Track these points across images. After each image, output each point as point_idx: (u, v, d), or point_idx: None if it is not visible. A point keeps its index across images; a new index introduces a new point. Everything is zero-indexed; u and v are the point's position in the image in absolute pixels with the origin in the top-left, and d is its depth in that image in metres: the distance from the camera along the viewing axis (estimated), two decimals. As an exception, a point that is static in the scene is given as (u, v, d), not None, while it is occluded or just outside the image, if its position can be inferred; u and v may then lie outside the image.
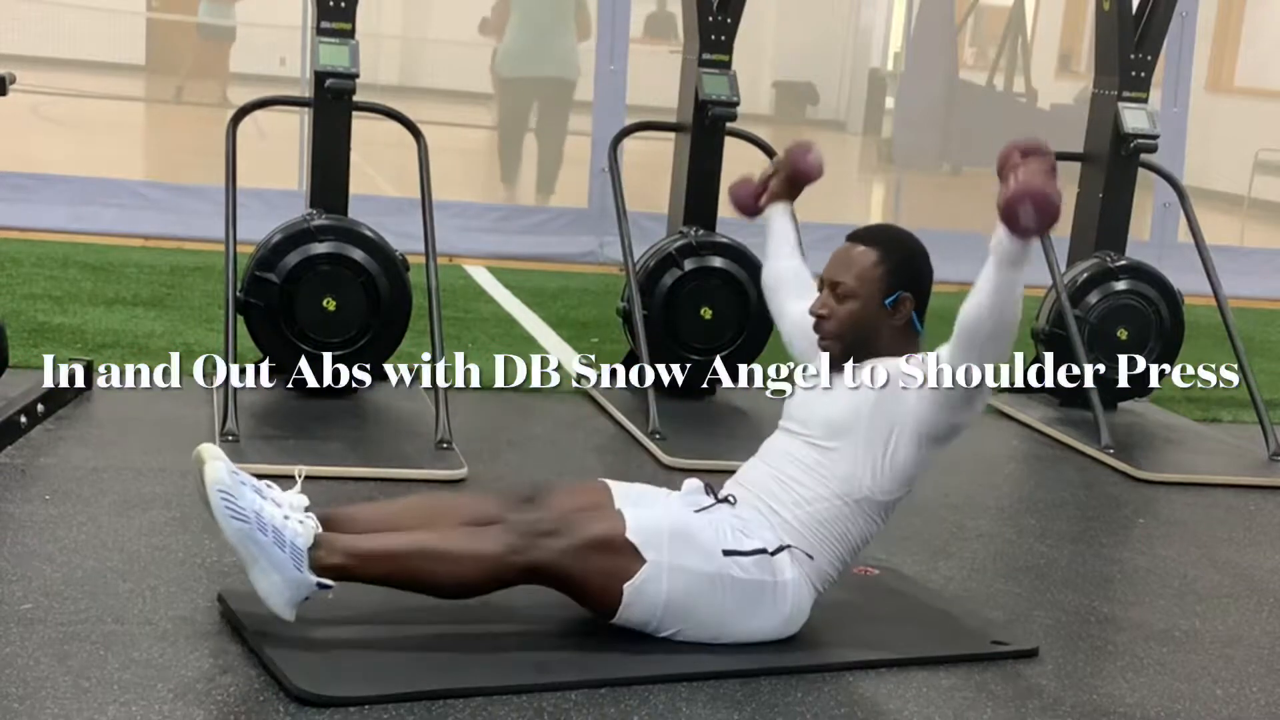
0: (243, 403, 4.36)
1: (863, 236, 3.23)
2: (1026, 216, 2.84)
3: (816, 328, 3.21)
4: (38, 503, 3.65)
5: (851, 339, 3.18)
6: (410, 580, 2.95)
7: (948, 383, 3.00)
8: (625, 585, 2.96)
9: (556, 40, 8.89)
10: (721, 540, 3.04)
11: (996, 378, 3.03)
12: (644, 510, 3.07)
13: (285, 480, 3.04)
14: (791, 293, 3.59)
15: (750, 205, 3.76)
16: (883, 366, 3.14)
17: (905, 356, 3.14)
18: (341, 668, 2.81)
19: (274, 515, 2.86)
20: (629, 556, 2.96)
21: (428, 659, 2.89)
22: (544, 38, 8.91)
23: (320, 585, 2.87)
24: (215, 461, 2.88)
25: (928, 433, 3.09)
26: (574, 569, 2.94)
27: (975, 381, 2.99)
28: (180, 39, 12.33)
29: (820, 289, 3.24)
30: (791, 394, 3.34)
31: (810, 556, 3.10)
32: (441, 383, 4.42)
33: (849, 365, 3.21)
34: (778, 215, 3.71)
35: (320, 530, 2.91)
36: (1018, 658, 3.21)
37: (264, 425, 4.42)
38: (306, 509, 2.93)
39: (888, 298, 3.16)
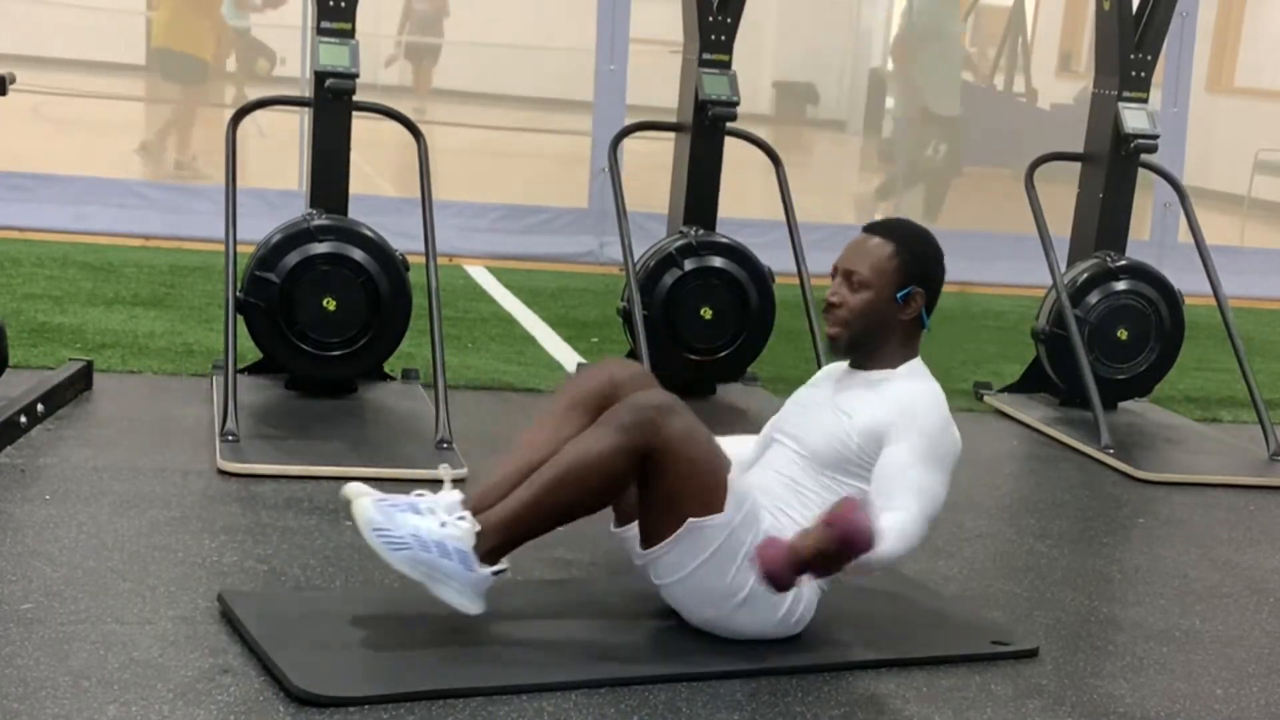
0: (243, 403, 4.36)
1: (880, 229, 3.24)
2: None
3: (827, 314, 3.22)
4: (38, 503, 3.65)
5: (860, 329, 3.19)
6: (559, 517, 2.98)
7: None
8: (691, 518, 2.96)
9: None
10: (768, 530, 3.05)
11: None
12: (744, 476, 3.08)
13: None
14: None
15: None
16: (864, 404, 3.14)
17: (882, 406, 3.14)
18: (341, 668, 2.81)
19: (431, 529, 2.89)
20: (717, 495, 2.97)
21: (428, 659, 2.89)
22: None
23: (495, 573, 2.93)
24: (361, 499, 2.92)
25: None
26: (680, 461, 2.93)
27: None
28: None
29: (834, 276, 3.24)
30: (789, 403, 3.34)
31: None
32: (441, 383, 4.42)
33: (840, 382, 3.23)
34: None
35: (476, 526, 2.92)
36: (1018, 658, 3.21)
37: (264, 425, 4.42)
38: (460, 507, 2.95)
39: (900, 291, 3.17)
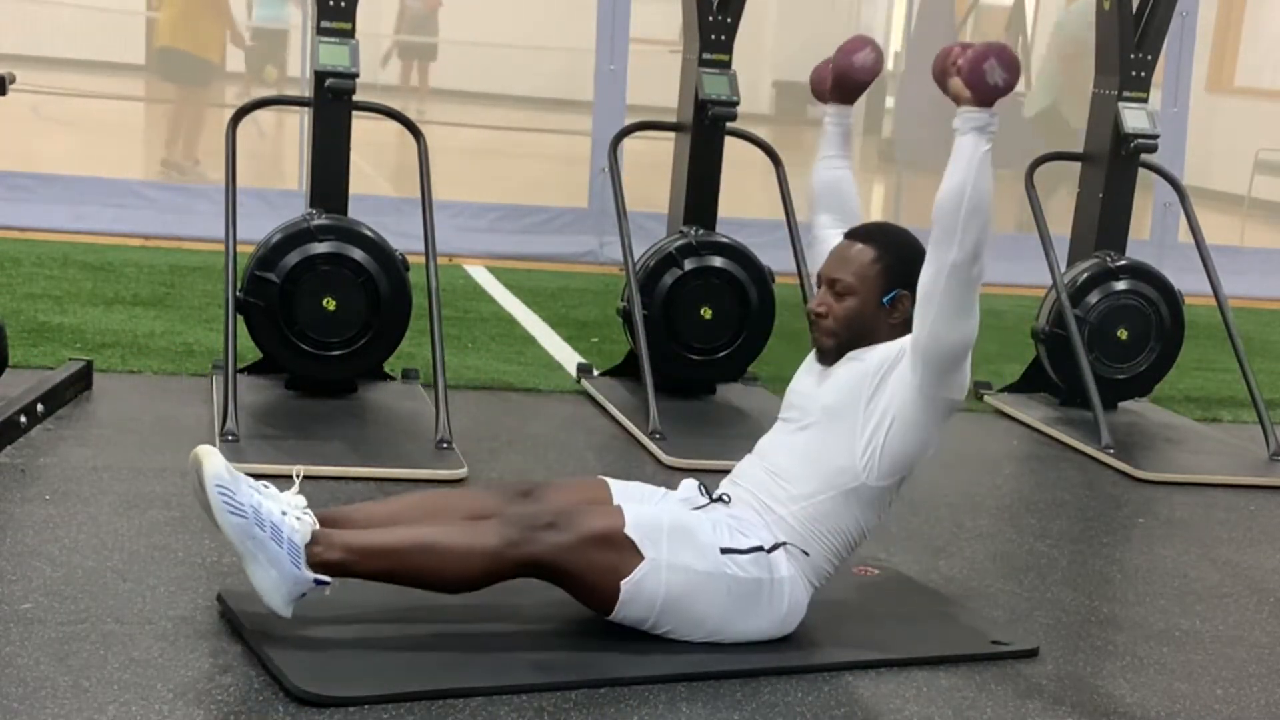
0: (243, 403, 4.36)
1: (861, 234, 3.23)
2: (994, 73, 2.91)
3: (813, 324, 3.22)
4: (38, 503, 3.65)
5: (848, 336, 3.18)
6: (409, 575, 2.94)
7: (936, 284, 2.99)
8: (623, 582, 2.96)
9: None
10: (719, 538, 3.04)
11: (977, 263, 3.00)
12: (643, 507, 3.08)
13: (282, 481, 3.04)
14: (830, 206, 3.51)
15: (822, 89, 3.55)
16: (879, 348, 3.15)
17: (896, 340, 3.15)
18: (341, 668, 2.81)
19: (272, 511, 2.86)
20: (628, 552, 2.96)
21: (428, 659, 2.89)
22: None
23: (318, 581, 2.87)
24: (213, 457, 2.88)
25: (926, 393, 3.05)
26: (572, 563, 2.94)
27: (959, 269, 2.97)
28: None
29: (818, 285, 3.24)
30: (792, 384, 3.34)
31: (806, 553, 3.10)
32: (441, 383, 4.42)
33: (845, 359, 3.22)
34: (829, 118, 3.56)
35: (318, 527, 2.91)
36: (1018, 658, 3.21)
37: (264, 425, 4.42)
38: (305, 508, 2.93)
39: (885, 296, 3.16)
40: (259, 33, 12.64)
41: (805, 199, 3.65)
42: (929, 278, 3.01)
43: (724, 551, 3.02)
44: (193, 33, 9.26)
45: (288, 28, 12.10)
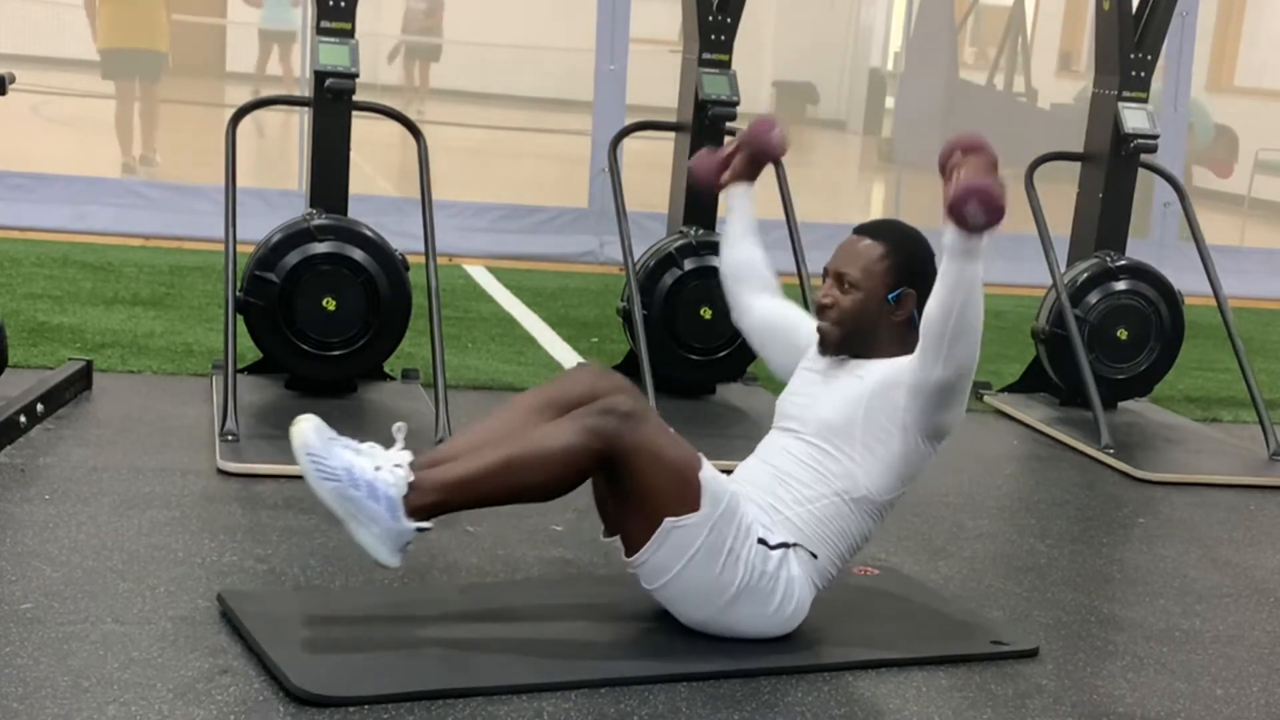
0: (243, 403, 4.36)
1: (870, 230, 3.24)
2: (974, 214, 2.88)
3: (820, 314, 3.22)
4: (38, 503, 3.65)
5: (852, 330, 3.18)
6: (504, 495, 2.96)
7: (924, 387, 3.03)
8: (669, 518, 2.96)
9: None
10: (755, 528, 3.05)
11: (964, 383, 3.04)
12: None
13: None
14: (755, 285, 3.58)
15: (712, 178, 3.63)
16: (875, 366, 3.15)
17: (894, 359, 3.15)
18: (341, 668, 2.81)
19: (365, 469, 2.88)
20: (689, 493, 2.96)
21: (428, 659, 2.89)
22: None
23: (419, 529, 2.90)
24: (303, 424, 2.91)
25: (919, 431, 3.10)
26: (643, 465, 2.93)
27: (945, 384, 3.01)
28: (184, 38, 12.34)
29: (824, 279, 3.24)
30: (786, 392, 3.34)
31: (814, 555, 3.10)
32: (441, 383, 4.42)
33: (843, 363, 3.22)
34: (738, 197, 3.64)
35: (410, 477, 2.91)
36: (1018, 658, 3.21)
37: (264, 425, 4.41)
38: (405, 462, 2.93)
39: (891, 293, 3.17)
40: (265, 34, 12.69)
41: (725, 278, 3.67)
42: (918, 378, 3.03)
43: (758, 541, 3.03)
44: (134, 27, 9.20)
45: (295, 29, 12.13)
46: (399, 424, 3.03)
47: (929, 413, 3.07)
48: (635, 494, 2.96)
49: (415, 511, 2.89)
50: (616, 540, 3.10)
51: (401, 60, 14.69)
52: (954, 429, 3.14)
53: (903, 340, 3.19)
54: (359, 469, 2.88)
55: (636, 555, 3.01)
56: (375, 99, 5.33)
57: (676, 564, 2.98)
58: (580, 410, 2.98)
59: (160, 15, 9.43)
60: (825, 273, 3.25)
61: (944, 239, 2.92)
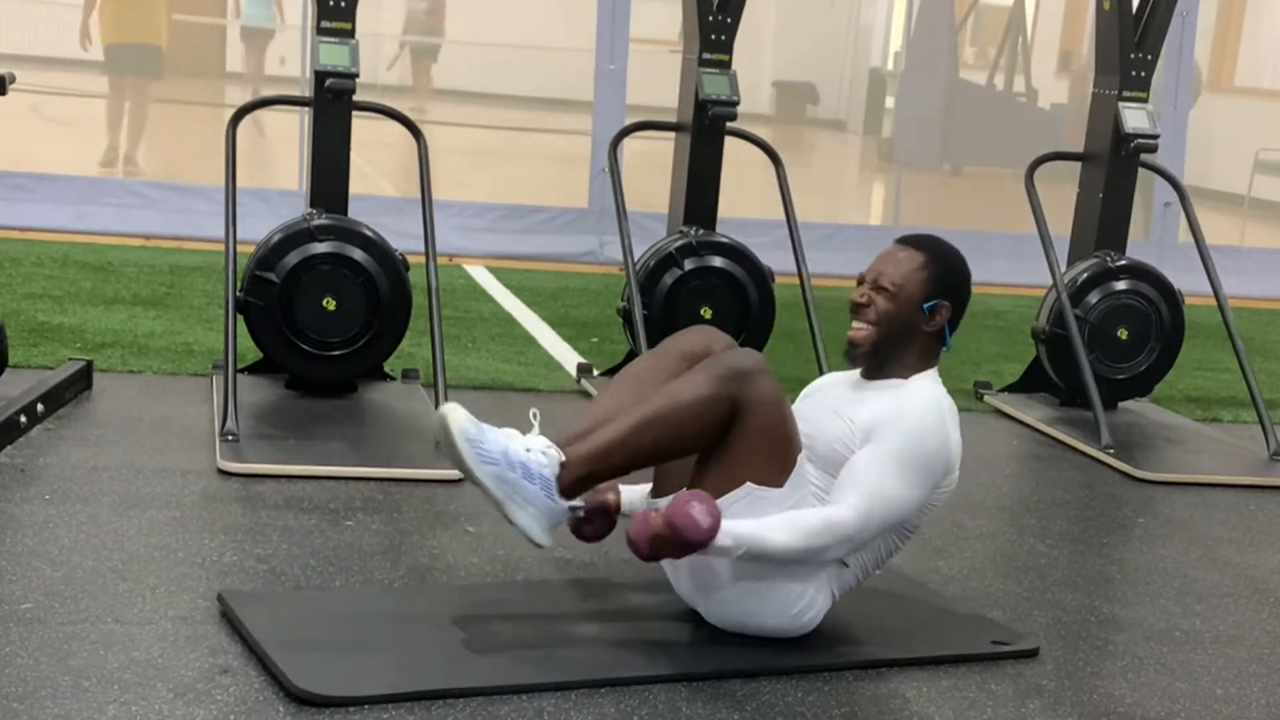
0: (243, 403, 4.36)
1: (912, 241, 3.25)
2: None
3: (855, 314, 3.22)
4: (38, 503, 3.65)
5: (885, 333, 3.17)
6: (650, 455, 3.00)
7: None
8: (750, 481, 2.98)
9: None
10: None
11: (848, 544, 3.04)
12: None
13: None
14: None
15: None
16: (869, 410, 3.12)
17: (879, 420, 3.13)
18: (341, 668, 2.81)
19: (519, 451, 2.92)
20: (781, 469, 3.00)
21: (428, 659, 2.89)
22: None
23: (572, 509, 2.95)
24: (456, 413, 2.92)
25: None
26: (762, 423, 2.97)
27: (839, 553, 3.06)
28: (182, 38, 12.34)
29: (859, 284, 3.24)
30: (798, 407, 3.34)
31: (845, 565, 3.10)
32: (441, 383, 4.42)
33: (852, 389, 3.22)
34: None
35: (562, 457, 2.94)
36: (1018, 658, 3.21)
37: (264, 425, 4.41)
38: (548, 445, 2.96)
39: (927, 302, 3.17)
40: (247, 32, 12.69)
41: None
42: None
43: None
44: (134, 23, 9.25)
45: (274, 27, 12.15)
46: (534, 410, 3.08)
47: None
48: (735, 446, 2.99)
49: (567, 488, 2.94)
50: (661, 501, 3.07)
51: (402, 61, 14.69)
52: (948, 486, 3.16)
53: (928, 353, 3.19)
54: (513, 451, 2.92)
55: (704, 517, 2.97)
56: (376, 99, 5.32)
57: (739, 542, 2.93)
58: (707, 361, 3.02)
59: (160, 11, 9.46)
60: (860, 279, 3.24)
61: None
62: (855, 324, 3.22)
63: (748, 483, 2.99)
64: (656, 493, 3.15)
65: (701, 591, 3.10)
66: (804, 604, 3.07)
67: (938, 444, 3.08)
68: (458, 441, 2.89)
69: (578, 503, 2.99)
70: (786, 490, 2.99)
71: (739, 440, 2.98)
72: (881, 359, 3.19)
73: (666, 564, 3.12)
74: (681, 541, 2.83)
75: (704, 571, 3.05)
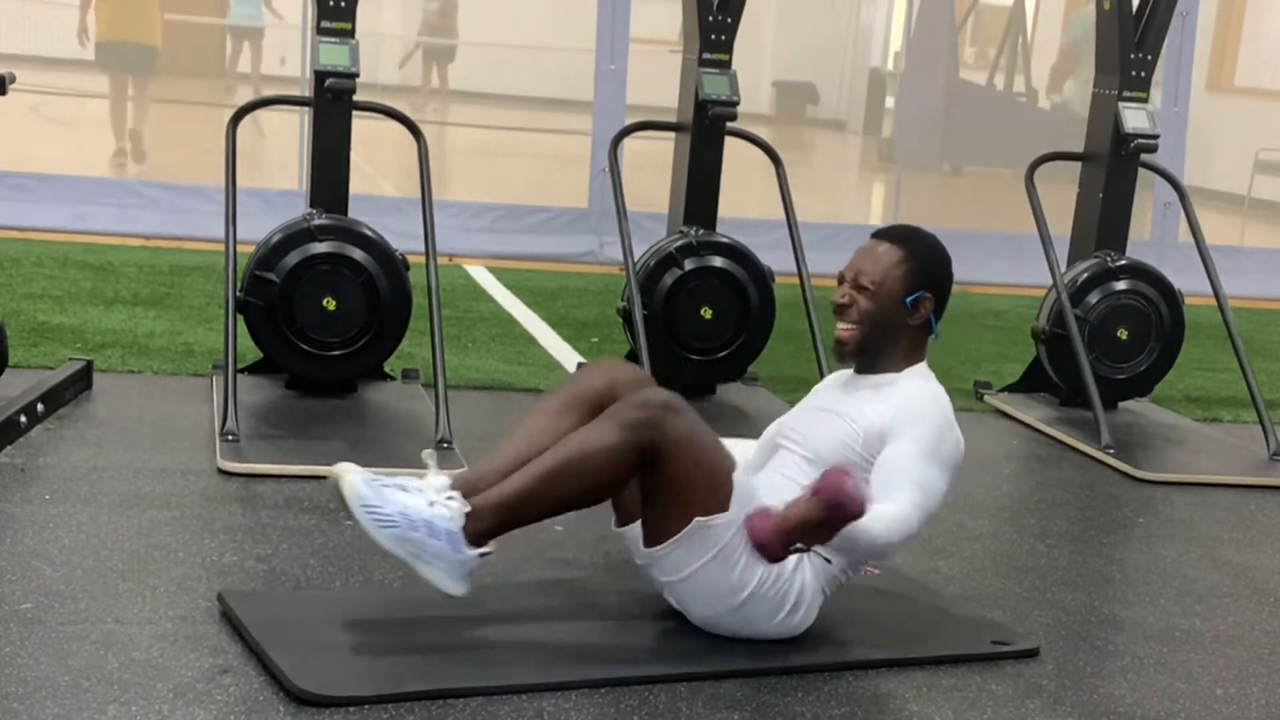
0: (243, 403, 4.36)
1: (889, 235, 3.25)
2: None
3: (838, 315, 3.23)
4: (38, 503, 3.65)
5: (869, 330, 3.19)
6: (556, 505, 2.99)
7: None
8: (699, 517, 2.96)
9: None
10: None
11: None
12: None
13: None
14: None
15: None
16: (872, 409, 3.14)
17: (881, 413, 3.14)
18: (341, 668, 2.81)
19: (419, 508, 2.89)
20: (720, 494, 2.97)
21: (428, 659, 2.89)
22: None
23: (481, 555, 2.92)
24: (349, 475, 2.90)
25: None
26: (681, 458, 2.94)
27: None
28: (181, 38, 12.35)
29: (840, 282, 3.24)
30: (788, 414, 3.35)
31: (828, 561, 3.10)
32: (441, 383, 4.42)
33: (845, 388, 3.23)
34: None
35: (466, 507, 2.92)
36: (1018, 658, 3.21)
37: (264, 425, 4.41)
38: (449, 490, 2.94)
39: (909, 296, 3.18)
40: (235, 30, 12.72)
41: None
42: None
43: None
44: (128, 22, 9.27)
45: (263, 26, 12.15)
46: (427, 450, 3.05)
47: None
48: (668, 487, 2.97)
49: (475, 538, 2.91)
50: (627, 530, 3.10)
51: (414, 62, 14.70)
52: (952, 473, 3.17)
53: (916, 345, 3.21)
54: (414, 509, 2.88)
55: (658, 547, 3.01)
56: (377, 99, 5.33)
57: (697, 561, 2.99)
58: (615, 407, 2.99)
59: (154, 11, 9.47)
60: (840, 278, 3.25)
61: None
62: (840, 324, 3.23)
63: (695, 518, 2.97)
64: (620, 522, 3.15)
65: (693, 612, 3.09)
66: (793, 603, 3.07)
67: (954, 439, 3.16)
68: (353, 509, 2.87)
69: (488, 549, 2.94)
70: (734, 509, 2.98)
71: (671, 480, 2.96)
72: (871, 356, 3.22)
73: (661, 582, 3.10)
74: (846, 516, 2.77)
75: (696, 588, 3.04)
